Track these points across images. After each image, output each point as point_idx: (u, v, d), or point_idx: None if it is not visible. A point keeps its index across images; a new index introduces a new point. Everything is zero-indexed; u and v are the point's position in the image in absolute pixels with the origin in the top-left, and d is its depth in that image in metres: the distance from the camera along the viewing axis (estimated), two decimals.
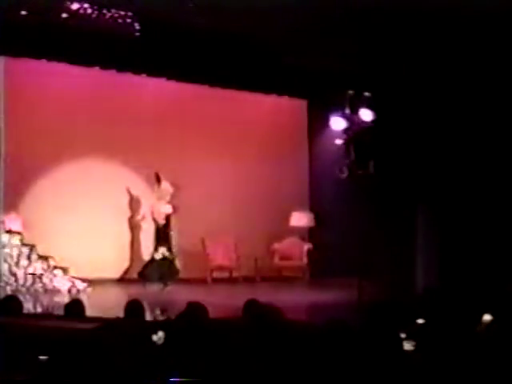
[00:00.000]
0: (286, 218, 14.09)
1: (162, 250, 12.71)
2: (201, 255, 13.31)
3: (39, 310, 10.10)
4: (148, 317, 6.96)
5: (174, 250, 12.92)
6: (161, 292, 12.20)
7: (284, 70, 12.88)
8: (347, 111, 10.94)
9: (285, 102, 14.44)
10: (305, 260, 13.97)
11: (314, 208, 14.50)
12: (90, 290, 11.67)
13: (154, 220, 12.89)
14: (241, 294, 11.33)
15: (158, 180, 12.91)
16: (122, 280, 13.06)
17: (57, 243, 12.25)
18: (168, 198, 12.90)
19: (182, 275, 13.12)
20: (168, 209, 12.87)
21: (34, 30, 10.76)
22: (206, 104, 13.69)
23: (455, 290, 10.62)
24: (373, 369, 4.03)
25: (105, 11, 10.92)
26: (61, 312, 6.82)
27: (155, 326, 5.12)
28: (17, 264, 11.41)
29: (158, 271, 12.62)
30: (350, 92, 11.00)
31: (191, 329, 4.69)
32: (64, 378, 4.33)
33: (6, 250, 11.34)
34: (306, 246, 14.03)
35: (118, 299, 9.87)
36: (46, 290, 11.44)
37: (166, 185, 12.90)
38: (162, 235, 12.82)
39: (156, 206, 12.89)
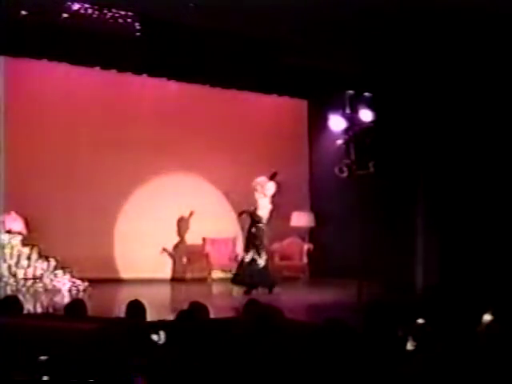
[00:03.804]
0: (286, 217, 14.09)
1: (263, 254, 11.67)
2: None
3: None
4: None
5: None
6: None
7: (284, 70, 12.88)
8: (347, 111, 10.94)
9: (285, 101, 14.45)
10: (305, 260, 13.97)
11: (314, 208, 14.50)
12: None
13: (258, 220, 11.79)
14: (241, 293, 11.40)
15: (273, 178, 11.94)
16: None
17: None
18: (270, 197, 11.90)
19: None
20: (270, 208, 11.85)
21: (34, 29, 10.76)
22: (206, 104, 13.70)
23: (455, 290, 10.63)
24: (373, 369, 4.03)
25: (105, 11, 10.92)
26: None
27: (155, 325, 5.12)
28: (17, 264, 11.41)
29: (263, 275, 11.67)
30: (350, 92, 11.00)
31: (191, 328, 4.69)
32: (64, 378, 4.33)
33: (7, 250, 11.34)
34: (306, 246, 14.03)
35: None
36: (46, 290, 11.43)
37: (270, 184, 11.94)
38: (258, 237, 11.75)
39: (261, 203, 11.82)
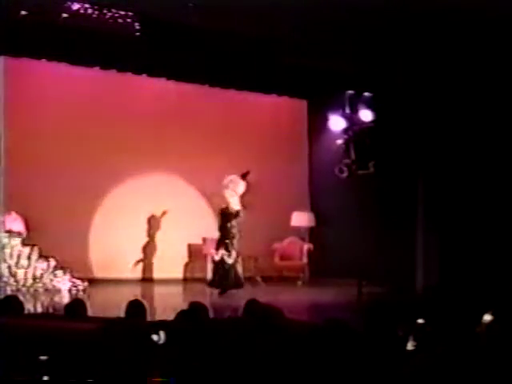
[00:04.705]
0: (286, 217, 14.09)
1: (233, 253, 11.54)
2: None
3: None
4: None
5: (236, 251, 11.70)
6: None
7: (284, 70, 12.88)
8: (347, 111, 10.95)
9: (285, 101, 14.45)
10: (305, 260, 13.97)
11: (314, 208, 14.50)
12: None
13: (229, 219, 11.60)
14: (241, 293, 11.39)
15: (245, 177, 11.80)
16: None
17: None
18: (239, 197, 11.75)
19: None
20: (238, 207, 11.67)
21: (34, 30, 10.76)
22: (206, 104, 13.69)
23: (455, 290, 10.63)
24: (373, 369, 4.03)
25: (105, 11, 10.92)
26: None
27: (155, 325, 5.12)
28: (17, 264, 11.40)
29: (229, 275, 11.51)
30: (350, 92, 11.01)
31: (191, 328, 4.69)
32: (64, 378, 4.33)
33: (6, 250, 11.34)
34: (306, 246, 14.03)
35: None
36: (46, 290, 11.43)
37: (241, 183, 11.80)
38: (231, 236, 11.61)
39: (231, 202, 11.67)
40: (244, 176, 11.80)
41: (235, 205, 11.70)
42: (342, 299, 10.74)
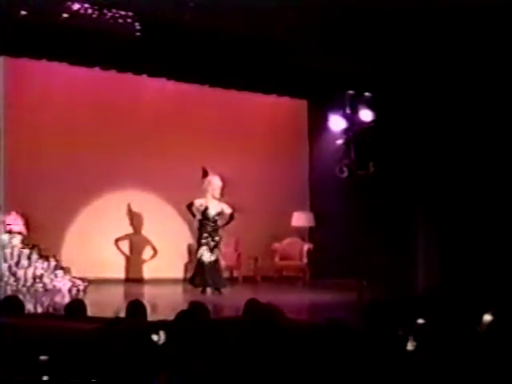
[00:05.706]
0: (286, 217, 14.09)
1: (216, 252, 11.61)
2: None
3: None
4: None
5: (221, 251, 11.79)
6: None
7: (284, 70, 12.87)
8: (347, 111, 10.94)
9: (285, 102, 14.44)
10: (305, 260, 13.97)
11: (314, 208, 14.50)
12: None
13: (205, 218, 11.66)
14: (241, 293, 11.38)
15: (205, 174, 11.83)
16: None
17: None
18: (218, 193, 11.74)
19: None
20: (219, 206, 11.69)
21: (34, 29, 10.75)
22: (206, 104, 13.69)
23: (456, 290, 10.62)
24: (373, 369, 4.03)
25: (105, 11, 10.91)
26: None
27: (155, 325, 5.12)
28: (17, 264, 11.41)
29: (211, 275, 11.53)
30: (350, 92, 11.00)
31: (191, 328, 4.69)
32: (64, 378, 4.33)
33: (7, 250, 11.34)
34: (306, 246, 14.02)
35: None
36: (46, 290, 11.42)
37: (214, 179, 11.80)
38: (213, 234, 11.65)
39: (204, 202, 11.69)
40: (205, 174, 11.84)
41: (217, 206, 11.71)
42: (341, 299, 10.74)
